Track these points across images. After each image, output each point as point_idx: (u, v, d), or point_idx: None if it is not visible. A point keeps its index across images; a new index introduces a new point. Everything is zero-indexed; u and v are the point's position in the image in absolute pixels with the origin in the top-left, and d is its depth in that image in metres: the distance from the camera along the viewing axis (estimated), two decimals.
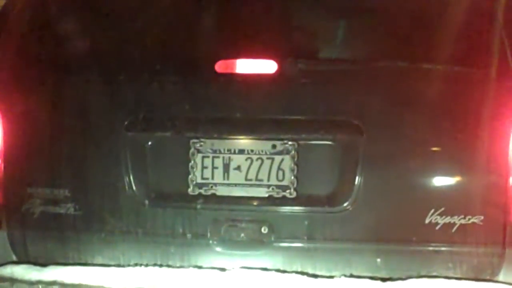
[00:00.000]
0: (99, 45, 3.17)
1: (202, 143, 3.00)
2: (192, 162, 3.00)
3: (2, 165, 3.09)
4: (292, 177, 2.97)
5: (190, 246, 3.01)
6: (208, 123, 3.01)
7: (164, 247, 3.01)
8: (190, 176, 3.00)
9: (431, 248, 2.95)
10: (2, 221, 3.11)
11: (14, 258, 3.13)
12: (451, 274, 2.93)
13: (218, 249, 3.00)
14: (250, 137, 3.02)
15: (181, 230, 2.99)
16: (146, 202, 3.02)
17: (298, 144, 2.98)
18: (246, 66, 3.04)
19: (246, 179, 2.99)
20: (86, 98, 3.07)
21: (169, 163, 3.05)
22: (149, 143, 3.04)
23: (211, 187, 3.00)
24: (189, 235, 3.00)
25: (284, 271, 2.93)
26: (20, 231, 3.11)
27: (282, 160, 2.98)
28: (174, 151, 3.04)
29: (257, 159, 2.99)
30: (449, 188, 2.98)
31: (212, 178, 3.00)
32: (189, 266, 2.97)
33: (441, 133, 2.98)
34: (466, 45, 3.05)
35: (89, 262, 3.04)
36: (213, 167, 3.00)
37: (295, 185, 2.97)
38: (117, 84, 3.07)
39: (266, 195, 2.98)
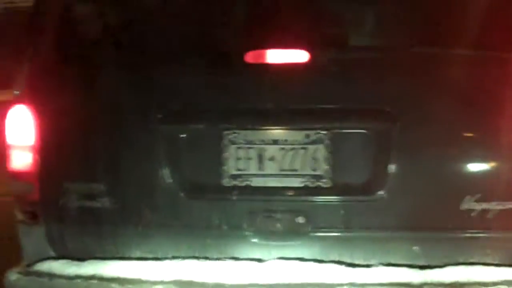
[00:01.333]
0: (130, 40, 3.18)
1: (235, 134, 3.00)
2: (226, 153, 3.00)
3: (38, 161, 3.12)
4: (326, 167, 2.96)
5: (226, 238, 3.02)
6: (241, 114, 3.01)
7: (200, 239, 3.03)
8: (224, 168, 3.00)
9: (467, 235, 2.94)
10: (39, 216, 3.14)
11: (52, 253, 3.16)
12: (488, 261, 2.91)
13: (255, 240, 3.01)
14: (283, 127, 3.01)
15: (217, 222, 3.00)
16: (182, 194, 3.03)
17: (332, 133, 2.97)
18: (276, 56, 3.03)
19: (280, 170, 2.99)
20: (120, 92, 3.08)
21: (203, 155, 3.05)
22: (183, 135, 3.04)
23: (246, 178, 3.00)
24: (225, 227, 3.01)
25: (321, 261, 2.92)
26: (58, 226, 3.15)
27: (316, 149, 2.97)
28: (208, 143, 3.03)
29: (290, 149, 2.98)
30: (484, 174, 2.96)
31: (247, 169, 3.00)
32: (226, 258, 2.98)
33: (475, 119, 2.96)
34: (499, 31, 3.02)
35: (127, 255, 3.06)
36: (247, 158, 3.00)
37: (329, 175, 2.96)
38: (150, 77, 3.06)
39: (301, 185, 2.98)
